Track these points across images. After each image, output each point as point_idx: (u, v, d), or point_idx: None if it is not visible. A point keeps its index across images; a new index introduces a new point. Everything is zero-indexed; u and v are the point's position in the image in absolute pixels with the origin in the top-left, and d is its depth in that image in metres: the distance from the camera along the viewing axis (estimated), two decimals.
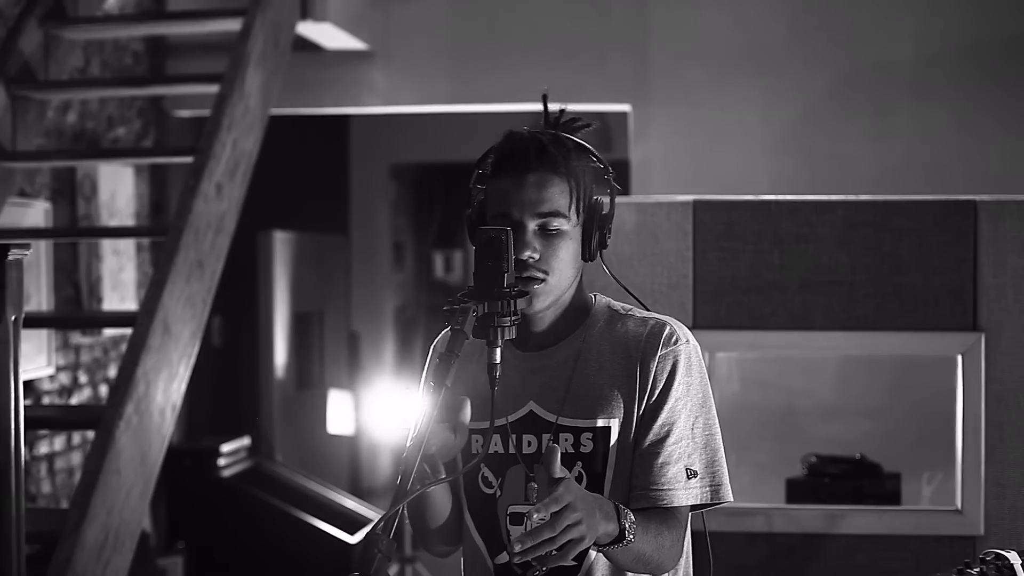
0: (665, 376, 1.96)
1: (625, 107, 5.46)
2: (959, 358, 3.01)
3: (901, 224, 3.04)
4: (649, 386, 1.96)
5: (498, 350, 1.82)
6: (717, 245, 3.07)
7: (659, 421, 1.95)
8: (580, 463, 1.96)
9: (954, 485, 3.03)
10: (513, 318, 1.82)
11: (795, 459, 3.74)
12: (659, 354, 1.96)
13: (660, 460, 1.94)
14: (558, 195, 1.94)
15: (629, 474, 1.96)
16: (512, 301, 1.82)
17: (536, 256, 1.93)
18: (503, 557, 2.00)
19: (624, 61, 5.39)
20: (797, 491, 3.60)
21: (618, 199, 2.04)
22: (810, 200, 3.10)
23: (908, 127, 5.22)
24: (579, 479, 1.96)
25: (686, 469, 1.95)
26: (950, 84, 5.19)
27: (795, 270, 3.07)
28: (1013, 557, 1.86)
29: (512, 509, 1.99)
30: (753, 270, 3.07)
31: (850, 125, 5.25)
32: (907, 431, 4.06)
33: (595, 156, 2.01)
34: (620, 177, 2.05)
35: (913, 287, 3.04)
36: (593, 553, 1.96)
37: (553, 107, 2.04)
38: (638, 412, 1.96)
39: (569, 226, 1.96)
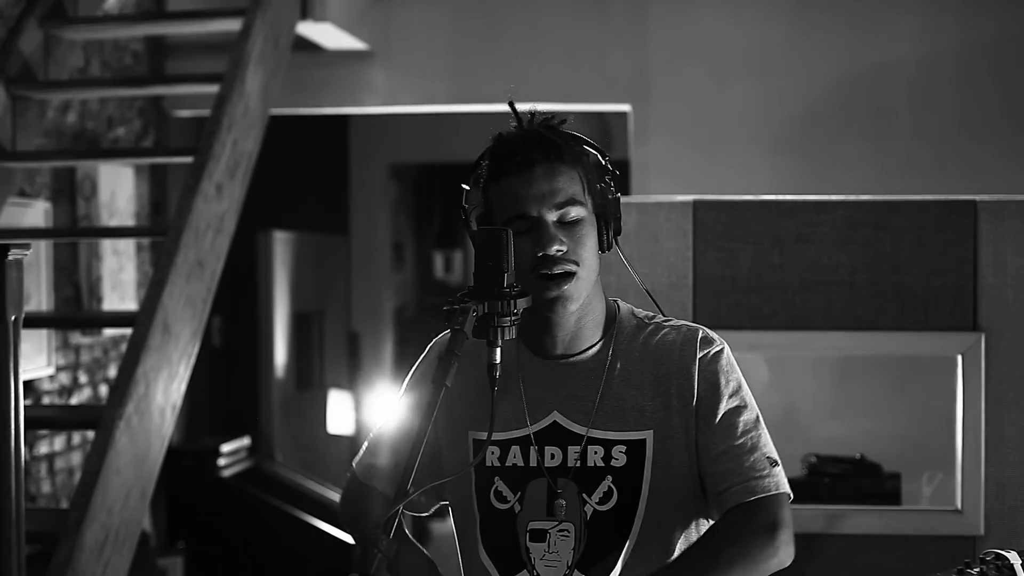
0: (711, 376, 1.90)
1: (625, 107, 5.45)
2: (959, 358, 3.00)
3: (901, 224, 3.04)
4: (696, 390, 1.90)
5: (498, 350, 1.78)
6: (717, 245, 3.07)
7: (720, 419, 1.89)
8: (610, 477, 1.89)
9: (954, 485, 3.02)
10: (513, 318, 1.77)
11: (795, 459, 3.74)
12: (699, 356, 1.91)
13: (746, 453, 1.88)
14: (569, 183, 1.89)
15: (673, 492, 1.89)
16: (512, 301, 1.77)
17: (564, 248, 1.87)
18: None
19: (624, 61, 5.39)
20: (797, 491, 3.57)
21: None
22: (810, 200, 3.09)
23: (908, 127, 5.22)
24: (608, 495, 1.89)
25: (767, 458, 1.91)
26: (950, 84, 5.19)
27: (795, 270, 3.06)
28: (1013, 557, 1.86)
29: (533, 525, 1.91)
30: (753, 270, 3.06)
31: (850, 125, 5.25)
32: (907, 431, 4.07)
33: (589, 143, 1.95)
34: (620, 177, 2.00)
35: (913, 287, 3.03)
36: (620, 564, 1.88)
37: (522, 108, 1.95)
38: (683, 423, 1.89)
39: (586, 213, 1.90)
